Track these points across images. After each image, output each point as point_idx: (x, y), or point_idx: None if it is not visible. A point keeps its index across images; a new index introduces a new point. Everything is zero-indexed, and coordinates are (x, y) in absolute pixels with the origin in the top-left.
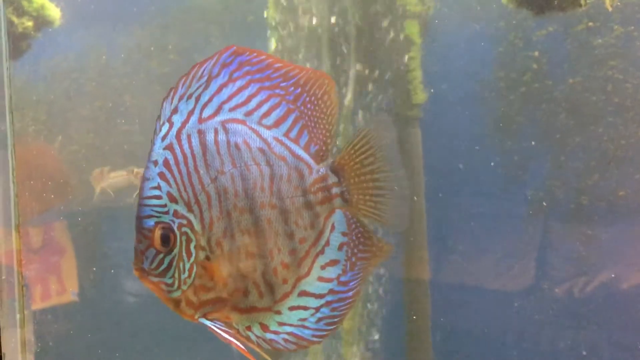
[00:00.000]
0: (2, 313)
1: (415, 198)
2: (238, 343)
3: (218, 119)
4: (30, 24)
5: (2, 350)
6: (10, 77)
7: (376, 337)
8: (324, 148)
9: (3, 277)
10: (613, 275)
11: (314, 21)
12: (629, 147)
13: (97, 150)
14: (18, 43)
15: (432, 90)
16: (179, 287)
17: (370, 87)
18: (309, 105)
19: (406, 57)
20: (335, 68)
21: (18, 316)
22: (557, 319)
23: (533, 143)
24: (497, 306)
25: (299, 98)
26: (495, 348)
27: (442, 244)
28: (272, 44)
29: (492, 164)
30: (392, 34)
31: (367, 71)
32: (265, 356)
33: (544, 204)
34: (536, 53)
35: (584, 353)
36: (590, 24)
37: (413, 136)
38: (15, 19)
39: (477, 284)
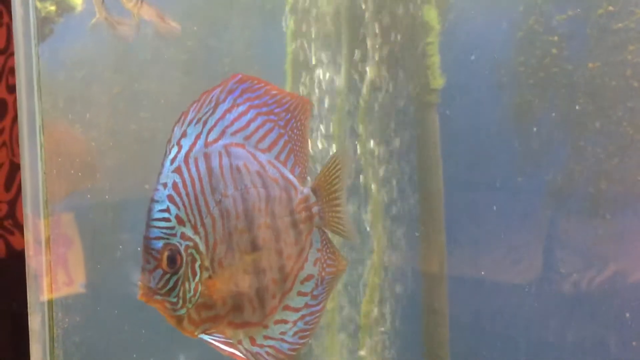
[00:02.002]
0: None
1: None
2: (239, 354)
3: (222, 142)
4: (53, 8)
5: None
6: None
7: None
8: (304, 170)
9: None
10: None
11: (333, 5)
12: None
13: (115, 136)
14: (41, 27)
15: (450, 76)
16: (183, 305)
17: (386, 71)
18: (295, 130)
19: (424, 43)
20: (352, 55)
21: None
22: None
23: (552, 128)
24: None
25: (288, 123)
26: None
27: (459, 232)
28: (291, 26)
29: (510, 149)
30: (410, 19)
31: (385, 55)
32: None
33: (563, 189)
34: (556, 37)
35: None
36: (610, 7)
37: (431, 122)
38: (38, 3)
39: (490, 275)
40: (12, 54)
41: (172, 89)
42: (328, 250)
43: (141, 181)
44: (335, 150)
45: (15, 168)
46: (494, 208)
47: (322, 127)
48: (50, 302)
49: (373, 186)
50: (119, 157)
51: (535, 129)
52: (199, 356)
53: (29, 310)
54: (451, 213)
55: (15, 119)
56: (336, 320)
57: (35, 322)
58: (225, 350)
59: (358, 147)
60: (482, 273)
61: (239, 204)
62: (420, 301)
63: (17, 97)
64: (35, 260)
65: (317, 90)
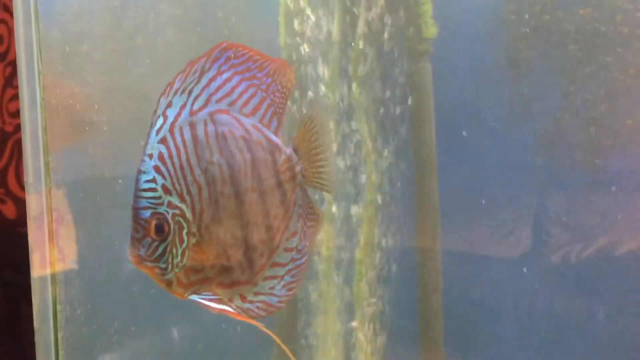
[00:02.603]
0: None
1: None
2: (229, 309)
3: (207, 110)
4: None
5: None
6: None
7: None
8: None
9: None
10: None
11: None
12: (637, 75)
13: (109, 93)
14: None
15: (442, 24)
16: (172, 270)
17: (379, 21)
18: (277, 93)
19: None
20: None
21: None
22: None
23: (542, 75)
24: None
25: (270, 87)
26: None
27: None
28: None
29: (501, 97)
30: None
31: (378, 4)
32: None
33: (553, 137)
34: None
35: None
36: None
37: (423, 71)
38: None
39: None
40: None
41: (167, 44)
42: (307, 206)
43: (136, 137)
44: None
45: (5, 137)
46: (485, 156)
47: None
48: (54, 276)
49: (367, 134)
50: (114, 113)
51: (524, 77)
52: (193, 328)
53: (32, 285)
54: (443, 158)
55: (4, 86)
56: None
57: (37, 297)
58: (216, 308)
59: (352, 94)
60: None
61: (224, 170)
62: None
63: (17, 54)
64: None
65: (311, 40)
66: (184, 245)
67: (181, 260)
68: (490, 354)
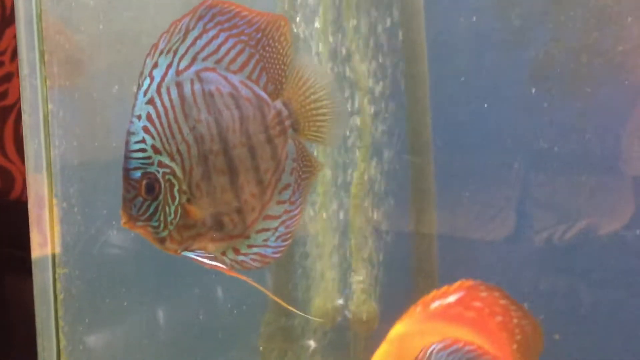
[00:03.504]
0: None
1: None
2: (221, 265)
3: (193, 69)
4: None
5: None
6: None
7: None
8: (278, 86)
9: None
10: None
11: None
12: (627, 1)
13: (102, 38)
14: None
15: None
16: (165, 228)
17: None
18: (267, 48)
19: None
20: None
21: None
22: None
23: (533, 5)
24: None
25: (259, 42)
26: None
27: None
28: None
29: (492, 30)
30: None
31: None
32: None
33: (544, 66)
34: None
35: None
36: None
37: (415, 2)
38: None
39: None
40: None
41: None
42: (303, 158)
43: (129, 82)
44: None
45: None
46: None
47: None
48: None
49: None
50: (106, 57)
51: (515, 8)
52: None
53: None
54: (435, 93)
55: None
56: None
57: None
58: (209, 264)
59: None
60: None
61: (213, 128)
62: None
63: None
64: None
65: None
66: (176, 202)
67: (174, 218)
68: None
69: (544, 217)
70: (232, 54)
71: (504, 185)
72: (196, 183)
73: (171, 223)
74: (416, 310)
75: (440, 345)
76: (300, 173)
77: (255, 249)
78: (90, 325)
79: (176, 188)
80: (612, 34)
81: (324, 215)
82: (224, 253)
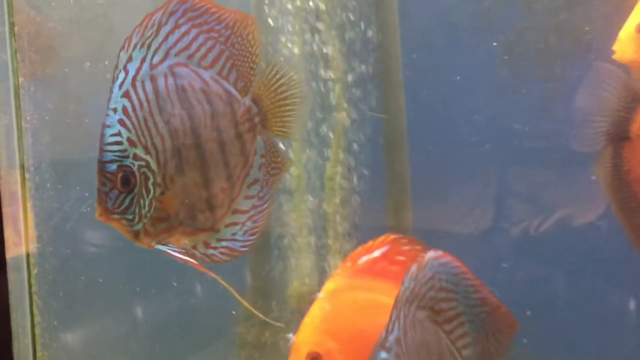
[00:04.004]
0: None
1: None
2: (192, 260)
3: (166, 63)
4: None
5: None
6: None
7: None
8: (248, 84)
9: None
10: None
11: None
12: None
13: (74, 25)
14: None
15: None
16: (139, 221)
17: None
18: (236, 46)
19: None
20: None
21: None
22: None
23: None
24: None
25: (229, 39)
26: None
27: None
28: None
29: (464, 13)
30: None
31: None
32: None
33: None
34: None
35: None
36: None
37: None
38: None
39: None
40: None
41: None
42: (272, 155)
43: (102, 70)
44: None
45: None
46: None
47: None
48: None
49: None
50: (80, 45)
51: None
52: (161, 303)
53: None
54: (409, 78)
55: None
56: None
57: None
58: (181, 259)
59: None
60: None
61: (186, 122)
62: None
63: None
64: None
65: None
66: (150, 195)
67: (148, 211)
68: None
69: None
70: (203, 50)
71: (477, 165)
72: (170, 176)
73: (145, 216)
74: (346, 265)
75: (434, 254)
76: (269, 169)
77: (224, 243)
78: (67, 325)
79: (151, 181)
80: (580, 14)
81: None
82: (195, 247)
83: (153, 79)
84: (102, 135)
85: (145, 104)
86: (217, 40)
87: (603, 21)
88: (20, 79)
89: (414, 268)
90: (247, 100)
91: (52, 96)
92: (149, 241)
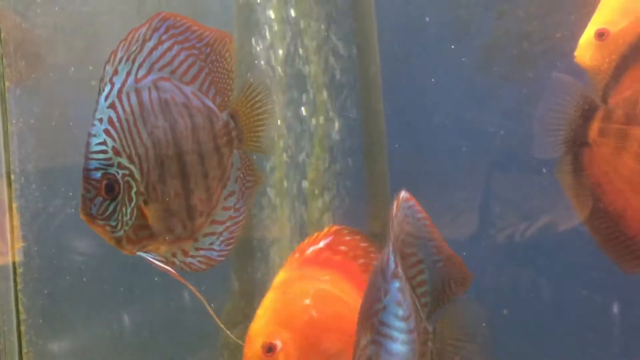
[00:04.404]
0: None
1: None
2: (170, 269)
3: (150, 78)
4: None
5: None
6: None
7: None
8: (225, 99)
9: None
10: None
11: None
12: None
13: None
14: None
15: None
16: (121, 228)
17: None
18: (215, 63)
19: None
20: None
21: None
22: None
23: None
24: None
25: (209, 56)
26: None
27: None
28: None
29: (441, 20)
30: None
31: None
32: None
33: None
34: None
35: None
36: None
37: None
38: None
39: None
40: None
41: None
42: (247, 168)
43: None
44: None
45: None
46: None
47: None
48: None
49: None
50: (65, 52)
51: None
52: (145, 313)
53: None
54: (387, 84)
55: None
56: None
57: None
58: (161, 267)
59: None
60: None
61: (168, 134)
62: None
63: None
64: None
65: None
66: (133, 203)
67: (130, 218)
68: None
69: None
70: (185, 66)
71: (458, 170)
72: (152, 185)
73: (127, 223)
74: (295, 256)
75: (405, 196)
76: (244, 182)
77: (202, 252)
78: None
79: (134, 190)
80: (552, 22)
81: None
82: (174, 254)
83: (138, 92)
84: (88, 144)
85: (130, 116)
86: (198, 57)
87: (573, 28)
88: (7, 84)
89: (395, 206)
90: (225, 115)
91: (38, 101)
92: (130, 248)
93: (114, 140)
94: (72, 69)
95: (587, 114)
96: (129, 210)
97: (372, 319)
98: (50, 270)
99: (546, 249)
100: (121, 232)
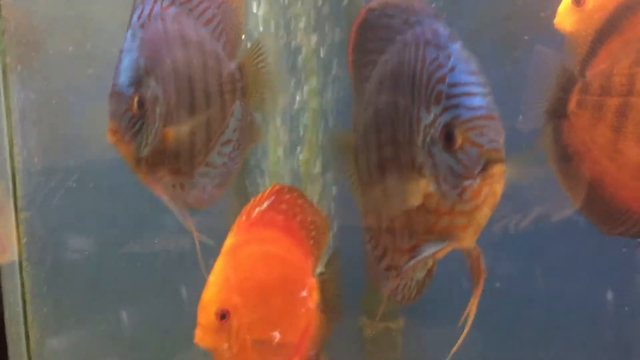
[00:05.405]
0: None
1: None
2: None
3: (173, 10)
4: None
5: None
6: None
7: None
8: (233, 51)
9: None
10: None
11: None
12: None
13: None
14: None
15: None
16: (144, 148)
17: None
18: (227, 13)
19: None
20: None
21: None
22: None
23: None
24: None
25: (221, 5)
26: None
27: None
28: None
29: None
30: None
31: None
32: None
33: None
34: None
35: None
36: None
37: None
38: None
39: None
40: None
41: None
42: (247, 123)
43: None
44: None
45: None
46: None
47: None
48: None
49: None
50: (63, 40)
51: None
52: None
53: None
54: None
55: None
56: None
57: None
58: (165, 199)
59: None
60: None
61: (186, 67)
62: None
63: None
64: None
65: None
66: (157, 125)
67: (154, 139)
68: (440, 321)
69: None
70: (201, 7)
71: None
72: (170, 112)
73: (150, 145)
74: (242, 219)
75: None
76: (242, 134)
77: (195, 191)
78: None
79: (158, 112)
80: (536, 1)
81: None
82: (174, 186)
83: (163, 19)
84: (120, 59)
85: (158, 39)
86: (212, 2)
87: (557, 7)
88: (8, 72)
89: None
90: (232, 65)
91: (37, 89)
92: (145, 172)
93: (145, 59)
94: (70, 57)
95: (566, 87)
96: (152, 131)
97: (435, 89)
98: (56, 268)
99: (540, 239)
100: (144, 152)
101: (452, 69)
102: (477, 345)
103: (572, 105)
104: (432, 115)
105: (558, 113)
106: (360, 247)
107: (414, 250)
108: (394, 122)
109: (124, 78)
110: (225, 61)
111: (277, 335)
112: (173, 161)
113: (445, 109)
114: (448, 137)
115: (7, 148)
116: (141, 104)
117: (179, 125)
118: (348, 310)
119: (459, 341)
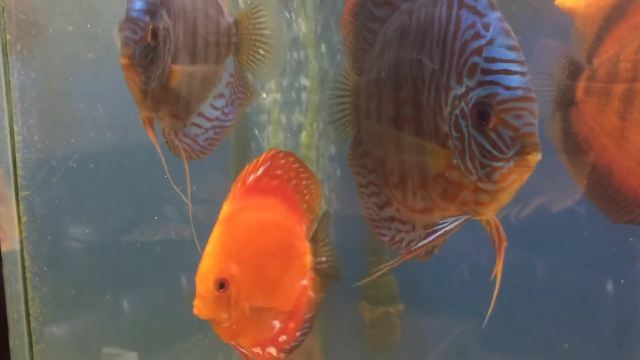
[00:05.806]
0: None
1: None
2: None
3: None
4: None
5: None
6: None
7: None
8: (228, 6)
9: None
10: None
11: None
12: None
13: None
14: None
15: None
16: (152, 80)
17: None
18: None
19: None
20: None
21: None
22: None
23: None
24: None
25: None
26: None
27: None
28: None
29: None
30: None
31: None
32: None
33: None
34: None
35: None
36: None
37: None
38: None
39: None
40: None
41: None
42: (240, 78)
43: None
44: None
45: None
46: None
47: None
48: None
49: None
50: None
51: None
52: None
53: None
54: None
55: None
56: None
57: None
58: (156, 144)
59: None
60: None
61: (191, 12)
62: None
63: None
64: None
65: None
66: (167, 59)
67: (162, 74)
68: (439, 305)
69: None
70: None
71: None
72: (177, 49)
73: (158, 79)
74: (237, 186)
75: None
76: (236, 90)
77: (187, 140)
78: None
79: (168, 45)
80: None
81: None
82: (169, 132)
83: None
84: None
85: None
86: None
87: None
88: (9, 57)
89: None
90: (229, 19)
91: (37, 73)
92: (149, 107)
93: None
94: (70, 39)
95: (573, 75)
96: (162, 64)
97: (470, 60)
98: (57, 256)
99: (541, 230)
100: (151, 85)
101: (490, 42)
102: (476, 334)
103: (579, 92)
104: (464, 87)
105: (566, 101)
106: (361, 232)
107: (424, 213)
108: (416, 82)
109: (140, 5)
110: (224, 14)
111: (274, 301)
112: (174, 101)
113: (480, 84)
114: (481, 115)
115: (8, 128)
116: (154, 34)
117: (183, 66)
118: (348, 295)
119: (490, 307)
